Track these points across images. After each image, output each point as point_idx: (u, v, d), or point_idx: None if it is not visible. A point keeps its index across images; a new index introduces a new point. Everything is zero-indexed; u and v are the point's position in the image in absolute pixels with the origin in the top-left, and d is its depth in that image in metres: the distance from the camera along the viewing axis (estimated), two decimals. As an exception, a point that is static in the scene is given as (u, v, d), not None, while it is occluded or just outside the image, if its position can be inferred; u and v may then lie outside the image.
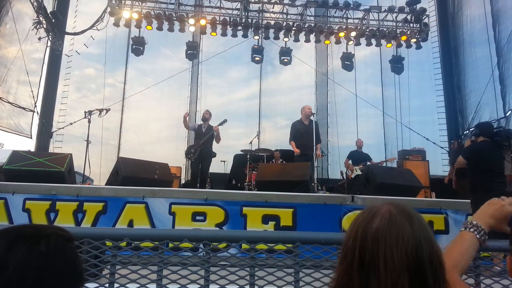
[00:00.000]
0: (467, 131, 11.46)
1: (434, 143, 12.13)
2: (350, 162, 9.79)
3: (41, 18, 10.46)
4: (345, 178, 9.91)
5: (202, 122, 8.71)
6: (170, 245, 2.22)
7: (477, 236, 1.38)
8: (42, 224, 1.05)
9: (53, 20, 10.94)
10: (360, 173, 9.07)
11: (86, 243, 2.20)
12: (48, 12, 10.74)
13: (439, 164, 11.67)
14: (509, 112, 9.32)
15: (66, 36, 11.77)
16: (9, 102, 9.86)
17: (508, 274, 1.11)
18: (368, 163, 9.66)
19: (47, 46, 11.29)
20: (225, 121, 8.63)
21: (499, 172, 5.20)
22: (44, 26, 10.67)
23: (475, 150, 5.32)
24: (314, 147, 7.63)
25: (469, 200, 5.17)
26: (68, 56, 11.97)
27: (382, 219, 1.08)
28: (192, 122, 9.39)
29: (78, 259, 0.95)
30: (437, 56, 12.91)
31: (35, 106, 10.84)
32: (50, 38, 11.13)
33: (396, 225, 1.06)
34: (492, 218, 1.42)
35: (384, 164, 10.18)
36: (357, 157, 9.81)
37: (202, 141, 8.35)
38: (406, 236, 1.04)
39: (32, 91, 10.60)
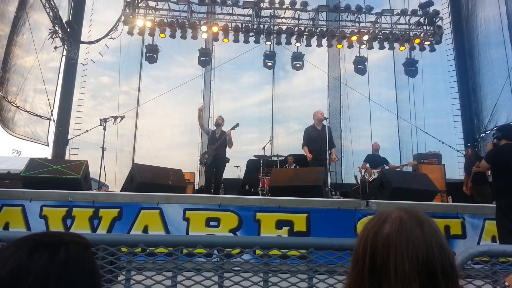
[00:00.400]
0: (484, 134, 11.29)
1: (450, 146, 11.96)
2: (367, 165, 9.66)
3: (56, 28, 10.68)
4: (359, 182, 9.82)
5: (215, 128, 8.75)
6: (184, 251, 2.23)
7: None
8: (60, 231, 1.07)
9: (68, 30, 11.16)
10: None
11: (101, 249, 2.23)
12: (64, 22, 10.96)
13: (455, 168, 11.51)
14: (527, 114, 9.14)
15: (81, 45, 11.99)
16: (26, 111, 10.07)
17: None
18: (386, 166, 9.58)
19: (62, 55, 11.52)
20: (237, 125, 8.63)
21: None
22: (60, 35, 10.89)
23: (499, 154, 5.22)
24: (328, 152, 7.58)
25: (488, 204, 5.09)
26: (84, 65, 12.19)
27: (392, 224, 1.08)
28: (206, 126, 9.41)
29: (96, 266, 0.96)
30: (452, 58, 12.80)
31: (52, 114, 11.05)
32: (66, 47, 11.35)
33: (406, 230, 1.06)
34: None
35: (404, 168, 10.05)
36: (375, 160, 9.68)
37: (215, 146, 8.36)
38: (416, 241, 1.04)
39: (48, 100, 10.81)
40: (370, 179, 9.25)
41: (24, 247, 0.88)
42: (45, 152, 11.06)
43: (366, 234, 1.10)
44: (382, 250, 1.05)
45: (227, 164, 8.76)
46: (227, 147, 8.51)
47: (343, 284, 1.17)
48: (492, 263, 1.77)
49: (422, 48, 12.15)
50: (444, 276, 1.02)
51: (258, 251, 2.23)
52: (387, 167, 9.68)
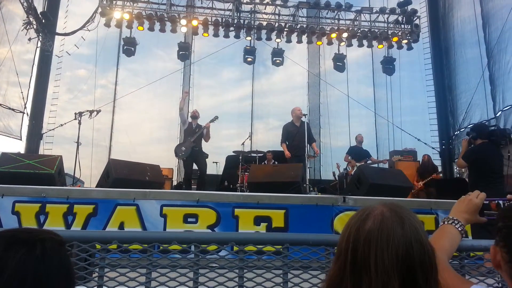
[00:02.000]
0: (458, 132, 11.55)
1: (425, 143, 12.22)
2: (350, 158, 9.68)
3: (31, 19, 10.37)
4: (337, 178, 9.92)
5: (191, 120, 8.67)
6: (160, 247, 2.20)
7: (457, 227, 1.48)
8: (35, 227, 1.08)
9: (43, 21, 10.85)
10: None
11: (75, 246, 2.18)
12: (39, 12, 10.65)
13: (430, 165, 11.74)
14: (499, 112, 9.40)
15: (56, 36, 11.68)
16: (-2, 104, 9.77)
17: (492, 264, 1.14)
18: (369, 160, 9.68)
19: (37, 47, 11.20)
20: (216, 118, 8.57)
21: (499, 172, 5.33)
22: (34, 26, 10.58)
23: (477, 153, 5.43)
24: (307, 148, 7.63)
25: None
26: (59, 57, 11.88)
27: (374, 221, 1.10)
28: (185, 113, 9.28)
29: (70, 263, 0.98)
30: (428, 57, 13.02)
31: (25, 107, 10.75)
32: (40, 39, 11.04)
33: (387, 227, 1.08)
34: (466, 213, 1.53)
35: (385, 164, 10.17)
36: (358, 153, 9.74)
37: (193, 138, 8.27)
38: (396, 238, 1.06)
39: (22, 92, 10.51)
40: (353, 172, 9.32)
41: None
42: (18, 146, 10.77)
43: (348, 229, 1.13)
44: (363, 245, 1.07)
45: (206, 160, 8.70)
46: (204, 140, 8.44)
47: (326, 275, 1.21)
48: (461, 257, 1.82)
49: (400, 47, 12.35)
50: (423, 272, 1.05)
51: (235, 247, 2.23)
52: (370, 161, 9.81)
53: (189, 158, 8.30)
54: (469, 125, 10.42)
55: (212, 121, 8.49)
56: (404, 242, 1.06)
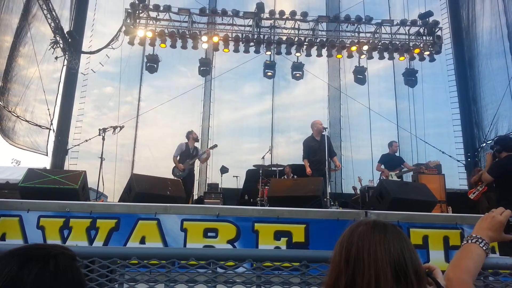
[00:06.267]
0: (484, 144, 11.26)
1: (450, 156, 11.94)
2: (382, 166, 9.41)
3: (58, 38, 10.75)
4: (358, 192, 9.76)
5: (187, 141, 8.96)
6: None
7: (481, 246, 1.43)
8: (47, 243, 1.12)
9: (69, 40, 11.23)
10: (397, 179, 8.86)
11: (96, 262, 2.22)
12: (65, 32, 11.04)
13: (456, 178, 11.49)
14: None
15: (82, 55, 12.06)
16: (26, 120, 10.09)
17: None
18: (403, 168, 9.30)
19: (63, 65, 11.58)
20: (215, 146, 9.14)
21: None
22: (61, 45, 10.96)
23: (502, 166, 5.29)
24: (327, 162, 7.57)
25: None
26: (84, 75, 12.24)
27: (366, 225, 1.17)
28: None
29: (82, 277, 1.02)
30: (452, 68, 12.81)
31: (51, 124, 11.07)
32: (67, 57, 11.41)
33: (379, 230, 1.14)
34: (490, 230, 1.49)
35: (424, 168, 9.63)
36: (391, 161, 9.41)
37: (193, 160, 8.81)
38: (388, 238, 1.12)
39: (48, 109, 10.84)
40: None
41: (14, 261, 0.92)
42: (45, 162, 11.09)
43: (342, 236, 1.21)
44: (357, 242, 1.13)
45: (226, 174, 8.90)
46: (200, 162, 9.11)
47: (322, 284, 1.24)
48: (485, 275, 1.76)
49: (422, 58, 12.19)
50: (415, 273, 1.09)
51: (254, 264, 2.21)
52: (404, 168, 9.40)
53: (185, 179, 8.60)
54: (495, 137, 10.13)
55: (212, 148, 9.06)
56: (397, 241, 1.12)
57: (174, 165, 8.79)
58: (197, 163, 9.36)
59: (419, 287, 1.08)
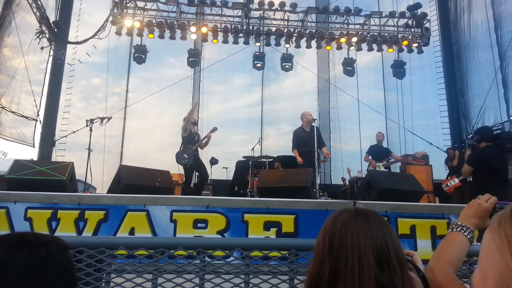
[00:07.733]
0: (471, 135, 11.41)
1: (437, 147, 12.06)
2: (370, 157, 9.47)
3: (43, 28, 10.56)
4: (347, 183, 9.83)
5: (191, 127, 8.73)
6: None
7: (465, 234, 1.44)
8: (39, 232, 1.12)
9: (55, 30, 11.04)
10: (384, 169, 8.93)
11: (84, 252, 2.20)
12: (51, 22, 10.84)
13: (443, 169, 11.58)
14: (513, 115, 9.26)
15: (68, 45, 11.86)
16: (12, 112, 9.94)
17: None
18: (391, 159, 9.43)
19: (49, 56, 11.39)
20: (215, 129, 8.69)
21: (504, 176, 5.19)
22: (47, 36, 10.77)
23: (480, 156, 5.29)
24: (316, 153, 7.59)
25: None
26: (71, 65, 12.06)
27: (348, 213, 1.18)
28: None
29: (73, 266, 1.01)
30: (439, 60, 12.91)
31: (38, 115, 10.92)
32: (53, 48, 11.23)
33: (361, 218, 1.15)
34: (475, 217, 1.49)
35: (411, 159, 9.74)
36: (378, 152, 9.49)
37: (195, 146, 8.42)
38: (371, 224, 1.13)
39: (35, 100, 10.68)
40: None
41: (4, 246, 0.91)
42: (32, 153, 10.94)
43: (324, 225, 1.21)
44: (340, 229, 1.14)
45: (216, 165, 8.79)
46: (200, 148, 8.62)
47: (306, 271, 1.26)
48: (470, 262, 1.79)
49: (410, 50, 12.25)
50: (397, 259, 1.10)
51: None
52: (392, 159, 9.52)
53: (192, 165, 8.38)
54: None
55: (212, 131, 8.62)
56: (379, 228, 1.13)
57: (176, 152, 8.42)
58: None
59: (401, 272, 1.09)
